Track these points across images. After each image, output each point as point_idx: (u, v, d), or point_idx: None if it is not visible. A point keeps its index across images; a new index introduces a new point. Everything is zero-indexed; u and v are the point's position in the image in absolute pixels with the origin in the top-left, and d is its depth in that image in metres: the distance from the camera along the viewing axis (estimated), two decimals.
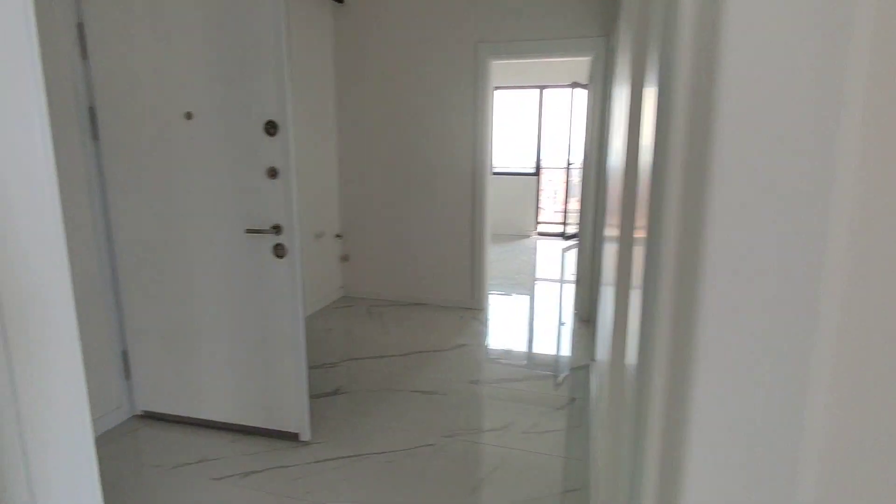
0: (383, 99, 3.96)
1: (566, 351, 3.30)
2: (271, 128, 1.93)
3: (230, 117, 1.98)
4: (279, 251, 2.03)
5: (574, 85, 6.57)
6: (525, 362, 3.11)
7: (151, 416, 2.38)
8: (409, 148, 3.98)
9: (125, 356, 2.35)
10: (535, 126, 7.42)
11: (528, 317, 3.99)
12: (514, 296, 4.55)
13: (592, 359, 2.92)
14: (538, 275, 5.36)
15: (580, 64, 6.69)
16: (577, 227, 7.42)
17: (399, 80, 3.90)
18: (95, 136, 2.16)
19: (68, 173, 2.07)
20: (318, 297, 4.02)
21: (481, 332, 3.58)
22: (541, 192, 7.60)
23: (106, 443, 2.19)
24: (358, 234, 4.25)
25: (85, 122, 2.13)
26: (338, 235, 4.25)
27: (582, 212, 3.77)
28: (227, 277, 2.12)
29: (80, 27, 2.07)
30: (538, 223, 7.63)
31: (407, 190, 4.05)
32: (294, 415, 2.17)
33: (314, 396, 2.55)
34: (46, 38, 1.98)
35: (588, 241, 3.69)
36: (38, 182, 0.99)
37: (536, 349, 3.36)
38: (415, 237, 4.10)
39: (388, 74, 3.92)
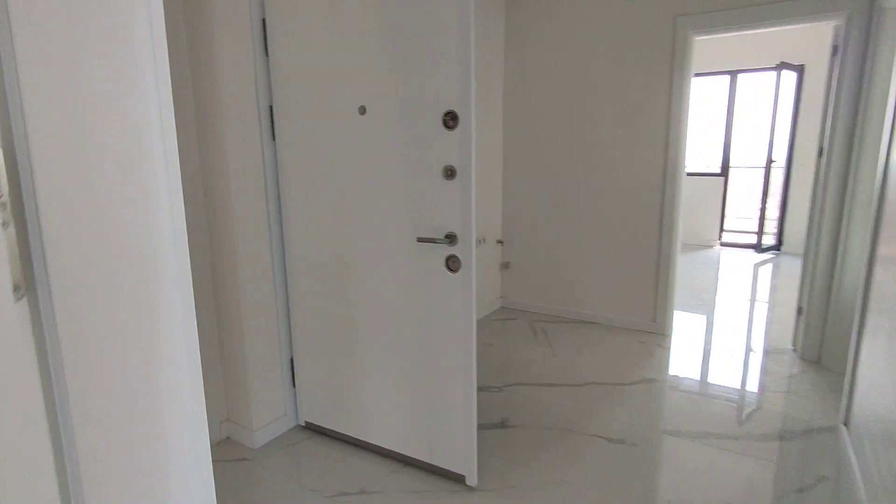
0: (557, 92, 3.54)
1: (787, 399, 2.54)
2: (451, 119, 1.64)
3: (406, 109, 1.74)
4: (452, 264, 1.74)
5: (781, 66, 5.45)
6: (734, 411, 2.45)
7: (313, 429, 2.28)
8: (584, 145, 3.51)
9: (292, 364, 2.27)
10: (722, 118, 6.35)
11: (723, 347, 3.25)
12: (701, 318, 3.79)
13: (844, 421, 2.17)
14: (727, 293, 4.47)
15: (791, 39, 5.53)
16: (776, 236, 6.21)
17: (576, 70, 3.44)
18: (273, 135, 2.09)
19: (247, 176, 2.02)
20: (477, 308, 3.75)
21: (670, 365, 2.97)
22: (727, 196, 6.50)
23: (269, 453, 2.12)
24: (521, 241, 3.89)
25: (265, 122, 2.07)
26: (499, 241, 3.94)
27: (811, 221, 2.94)
28: (394, 290, 1.90)
29: (264, 23, 2.01)
30: (723, 231, 6.54)
31: (579, 192, 3.57)
32: (459, 452, 1.87)
33: (478, 427, 2.24)
34: (235, 35, 1.95)
35: (820, 258, 2.85)
36: (156, 190, 0.78)
37: (745, 393, 2.65)
38: (586, 246, 3.61)
39: (563, 65, 3.49)
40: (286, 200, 2.12)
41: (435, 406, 1.90)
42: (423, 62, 1.67)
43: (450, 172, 1.68)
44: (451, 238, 1.71)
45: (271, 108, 2.07)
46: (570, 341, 3.33)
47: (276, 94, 2.04)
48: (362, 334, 2.02)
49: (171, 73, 1.97)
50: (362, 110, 1.83)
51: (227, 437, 2.23)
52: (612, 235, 3.50)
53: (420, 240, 1.75)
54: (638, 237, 3.40)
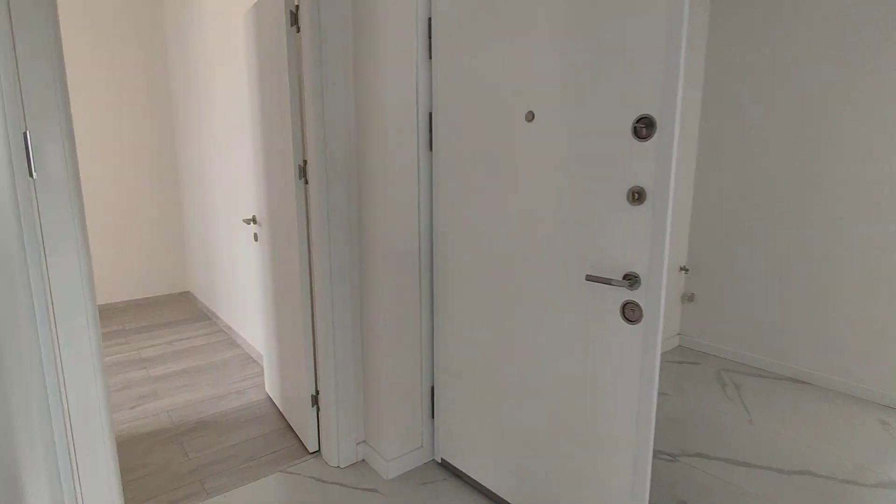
0: (772, 93, 2.83)
1: None
2: (645, 127, 1.26)
3: (584, 114, 1.40)
4: (630, 313, 1.35)
5: None
6: None
7: (449, 469, 2.06)
8: (811, 155, 2.74)
9: (432, 393, 2.09)
10: None
11: None
12: None
13: None
14: None
15: None
16: None
17: (812, 58, 2.70)
18: (431, 146, 1.92)
19: (400, 190, 1.87)
20: None
21: None
22: None
23: (401, 490, 1.95)
24: (711, 268, 3.23)
25: (423, 130, 1.90)
26: (683, 268, 3.32)
27: None
28: (552, 333, 1.57)
29: (429, 23, 1.84)
30: None
31: (797, 213, 2.81)
32: None
33: None
34: (400, 37, 1.79)
35: None
36: None
37: None
38: (802, 280, 2.83)
39: (794, 52, 2.76)
40: (438, 216, 1.92)
41: (594, 481, 1.52)
42: (611, 54, 1.31)
43: (637, 195, 1.29)
44: (631, 280, 1.33)
45: (431, 115, 1.89)
46: (772, 404, 2.62)
47: (436, 100, 1.86)
48: (510, 376, 1.73)
49: (336, 76, 1.92)
50: (530, 116, 1.54)
51: (363, 460, 2.13)
52: (843, 268, 2.68)
53: (590, 278, 1.39)
54: (880, 274, 2.54)
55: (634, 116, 1.28)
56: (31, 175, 1.16)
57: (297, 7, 1.89)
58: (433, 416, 2.10)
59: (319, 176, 1.90)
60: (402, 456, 2.04)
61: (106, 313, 4.42)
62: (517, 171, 1.61)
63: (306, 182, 2.00)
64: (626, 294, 1.36)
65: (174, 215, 4.83)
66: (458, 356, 1.94)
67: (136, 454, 2.22)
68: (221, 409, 2.63)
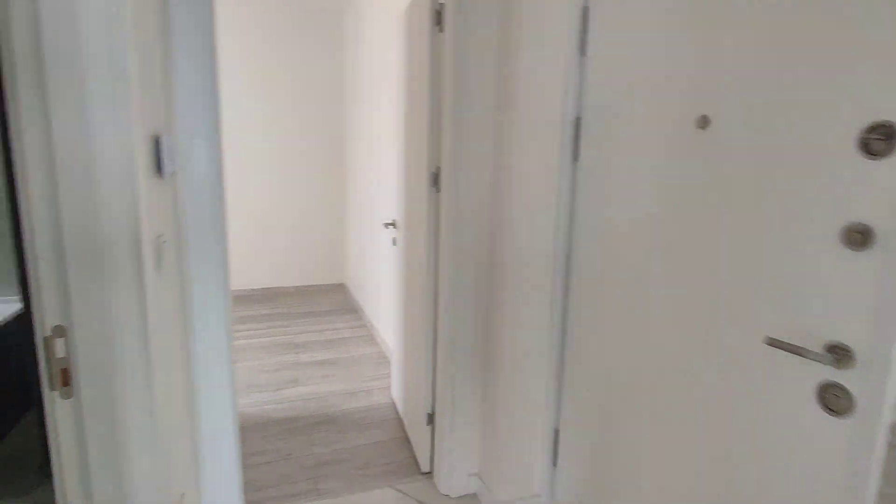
0: None
1: None
2: (881, 139, 0.87)
3: (779, 119, 1.04)
4: (833, 400, 0.96)
5: None
6: None
7: None
8: None
9: (556, 436, 1.83)
10: None
11: None
12: None
13: None
14: None
15: None
16: None
17: None
18: (576, 156, 1.66)
19: (536, 206, 1.66)
20: None
21: None
22: None
23: None
24: None
25: (569, 138, 1.66)
26: None
27: None
28: (709, 402, 1.22)
29: (585, 13, 1.59)
30: None
31: None
32: None
33: None
34: (549, 28, 1.58)
35: None
36: None
37: None
38: None
39: None
40: (579, 238, 1.66)
41: None
42: (827, 33, 0.94)
43: (861, 237, 0.90)
44: (839, 353, 0.94)
45: (578, 120, 1.64)
46: None
47: (586, 102, 1.60)
48: (650, 440, 1.41)
49: (476, 77, 1.78)
50: (702, 122, 1.21)
51: (474, 494, 1.97)
52: None
53: (772, 343, 1.03)
54: None
55: (864, 124, 0.89)
56: (160, 174, 1.23)
57: (443, 6, 1.79)
58: (555, 465, 1.84)
59: (451, 186, 1.78)
60: (517, 501, 1.83)
61: (276, 295, 4.93)
62: (681, 192, 1.28)
63: (438, 191, 1.89)
64: (828, 373, 0.96)
65: (339, 212, 5.21)
66: (587, 404, 1.65)
67: (267, 438, 2.35)
68: (349, 407, 2.69)
